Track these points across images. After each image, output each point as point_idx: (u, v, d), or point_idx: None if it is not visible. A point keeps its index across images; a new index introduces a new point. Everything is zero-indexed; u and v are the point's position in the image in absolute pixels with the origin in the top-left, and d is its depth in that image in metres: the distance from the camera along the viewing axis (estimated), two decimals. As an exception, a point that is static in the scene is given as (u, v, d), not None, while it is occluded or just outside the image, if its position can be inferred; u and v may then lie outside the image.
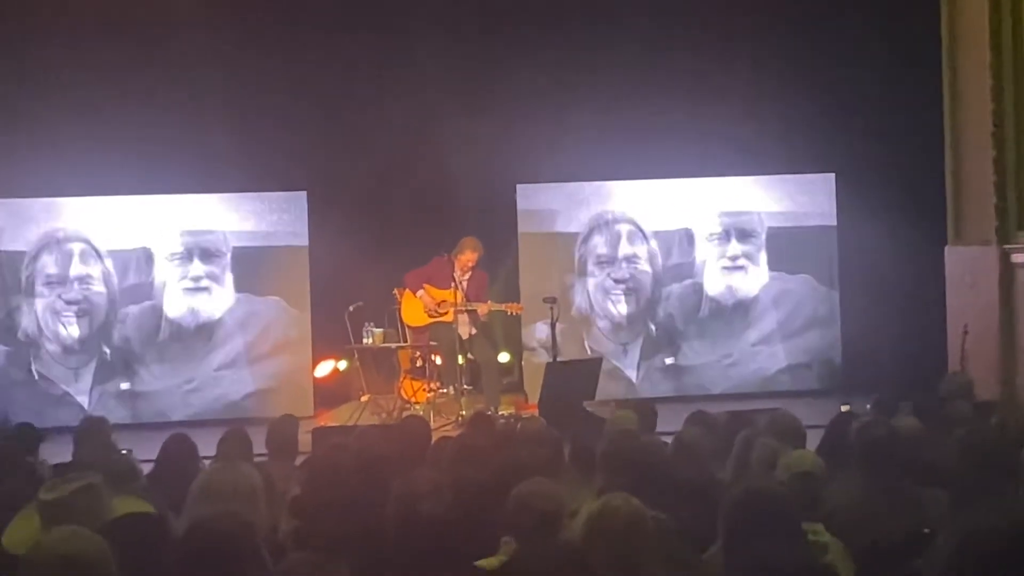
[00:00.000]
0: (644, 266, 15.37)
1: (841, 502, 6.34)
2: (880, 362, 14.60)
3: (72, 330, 14.60)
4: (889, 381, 12.84)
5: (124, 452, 7.70)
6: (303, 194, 14.98)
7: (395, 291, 14.25)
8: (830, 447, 8.12)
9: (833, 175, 15.48)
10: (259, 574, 4.72)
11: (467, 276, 13.84)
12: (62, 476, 6.05)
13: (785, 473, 6.19)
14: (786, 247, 15.49)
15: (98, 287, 14.63)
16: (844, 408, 9.95)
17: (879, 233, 14.67)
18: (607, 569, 4.61)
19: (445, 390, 14.04)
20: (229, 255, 14.84)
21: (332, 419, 14.02)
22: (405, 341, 14.38)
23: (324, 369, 15.11)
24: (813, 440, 8.16)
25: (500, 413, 13.21)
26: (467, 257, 13.81)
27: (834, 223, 15.49)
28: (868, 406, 9.59)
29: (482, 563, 5.28)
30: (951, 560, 4.23)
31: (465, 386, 13.97)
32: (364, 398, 14.37)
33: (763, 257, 15.48)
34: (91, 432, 9.06)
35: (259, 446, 8.69)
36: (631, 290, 15.37)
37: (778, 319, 15.49)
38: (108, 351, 14.64)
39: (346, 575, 4.11)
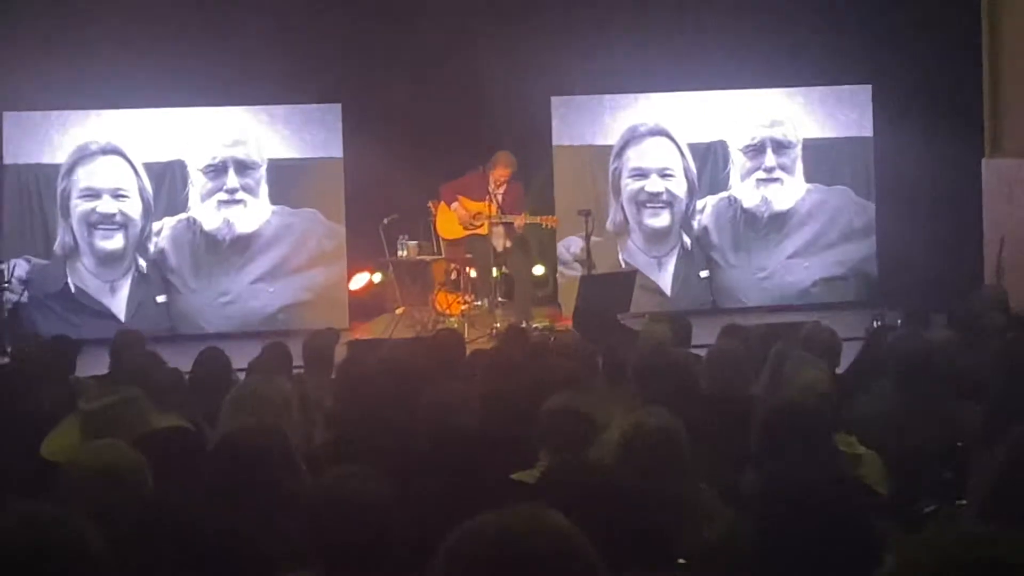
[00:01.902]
0: (679, 179, 15.30)
1: (875, 414, 6.35)
2: (916, 274, 14.52)
3: (108, 243, 14.63)
4: (924, 293, 12.79)
5: (168, 366, 7.73)
6: (338, 106, 14.93)
7: (430, 204, 14.26)
8: (867, 359, 8.12)
9: (870, 86, 15.36)
10: (292, 484, 4.76)
11: (502, 189, 13.82)
12: (101, 388, 6.11)
13: (800, 391, 6.19)
14: (822, 159, 15.41)
15: (133, 200, 14.64)
16: (876, 322, 9.91)
17: (916, 145, 14.56)
18: (638, 483, 4.62)
19: (479, 303, 14.08)
20: (264, 167, 14.83)
21: (367, 332, 14.07)
22: (439, 254, 14.40)
23: (359, 282, 15.12)
24: (848, 352, 8.15)
25: (534, 326, 13.22)
26: (500, 171, 13.80)
27: (870, 134, 15.38)
28: (899, 320, 9.57)
29: (518, 476, 5.31)
30: (1001, 469, 4.23)
31: (499, 299, 14.01)
32: (399, 311, 14.41)
33: (799, 169, 15.40)
34: (127, 345, 9.11)
35: (296, 358, 8.75)
36: (665, 203, 15.31)
37: (814, 231, 15.43)
38: (144, 264, 14.68)
39: (385, 488, 4.13)
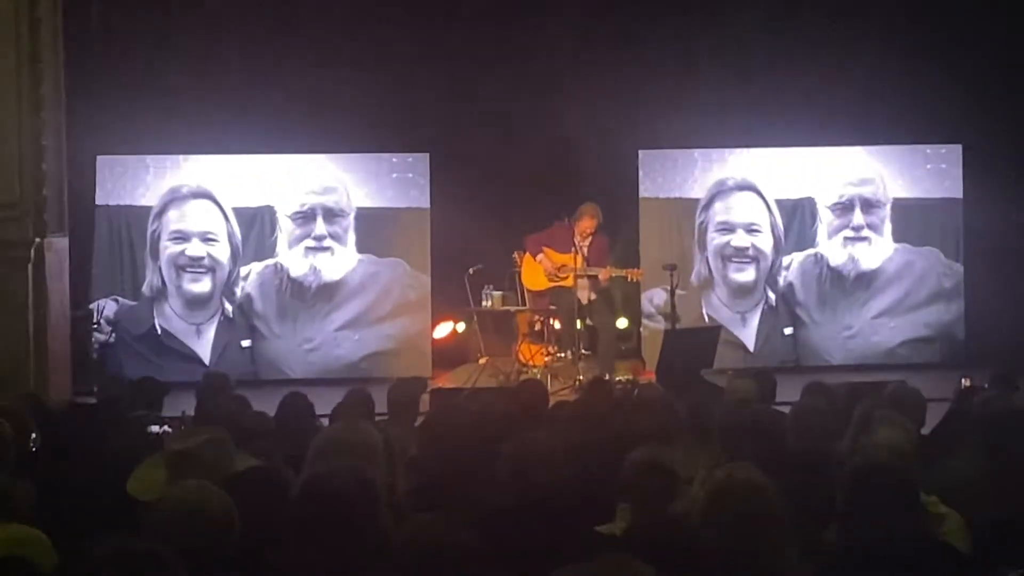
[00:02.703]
0: (765, 234, 15.25)
1: (961, 476, 6.29)
2: (1004, 337, 14.37)
3: (195, 286, 14.75)
4: (1012, 356, 12.66)
5: (254, 410, 7.80)
6: (426, 155, 15.02)
7: (515, 254, 14.29)
8: (954, 421, 8.05)
9: (960, 146, 15.26)
10: (377, 531, 4.77)
11: (587, 242, 13.84)
12: (188, 428, 6.18)
13: (886, 450, 6.14)
14: (911, 219, 15.30)
15: (222, 244, 14.77)
16: (965, 382, 9.81)
17: (1006, 206, 14.46)
18: (725, 539, 4.60)
19: (563, 354, 14.05)
20: (352, 215, 14.93)
21: (450, 381, 14.07)
22: (524, 305, 14.41)
23: (443, 331, 15.17)
24: (931, 414, 8.08)
25: (617, 379, 13.19)
26: (586, 224, 13.81)
27: (960, 195, 15.27)
28: (987, 383, 9.47)
29: (603, 529, 5.29)
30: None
31: (583, 351, 14.00)
32: (482, 360, 14.42)
33: (887, 228, 15.30)
34: (214, 388, 9.19)
35: (379, 406, 8.76)
36: (751, 258, 15.26)
37: (901, 291, 15.30)
38: (230, 308, 14.80)
39: (468, 537, 4.14)
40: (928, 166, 15.34)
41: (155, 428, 8.46)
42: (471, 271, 14.31)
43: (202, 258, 14.75)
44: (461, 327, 15.17)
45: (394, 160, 15.08)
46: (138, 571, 3.37)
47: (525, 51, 14.83)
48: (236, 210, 14.80)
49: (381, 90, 14.73)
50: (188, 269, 14.73)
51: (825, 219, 15.29)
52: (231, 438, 6.08)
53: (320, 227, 14.87)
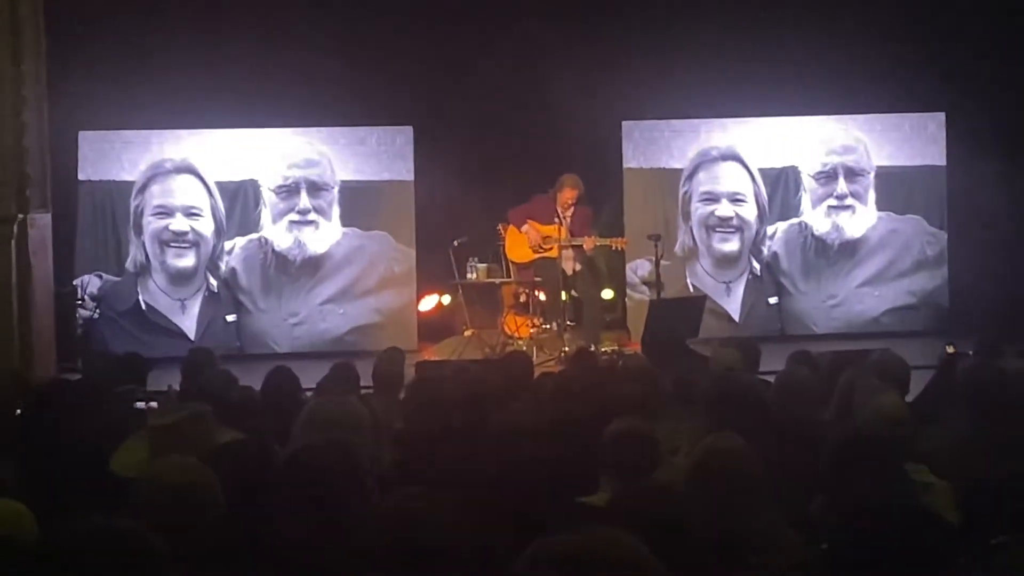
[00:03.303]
0: (749, 204, 15.26)
1: (947, 443, 6.29)
2: (988, 304, 14.40)
3: (179, 261, 14.73)
4: (996, 324, 12.68)
5: (241, 385, 7.80)
6: (409, 128, 15.01)
7: (499, 226, 14.27)
8: (938, 388, 8.05)
9: (943, 114, 15.27)
10: (362, 503, 4.77)
11: (569, 212, 13.81)
12: (170, 403, 6.17)
13: (872, 419, 6.14)
14: (895, 187, 15.32)
15: (206, 218, 14.75)
16: (949, 348, 9.82)
17: (989, 174, 14.46)
18: (710, 508, 4.61)
19: (548, 326, 14.06)
20: (336, 189, 14.91)
21: (435, 353, 14.10)
22: (509, 276, 14.42)
23: (428, 304, 15.18)
24: (916, 381, 8.08)
25: (602, 349, 13.21)
26: (567, 194, 13.78)
27: (944, 163, 15.28)
28: (971, 350, 9.48)
29: (587, 500, 5.29)
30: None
31: (568, 322, 14.00)
32: (467, 333, 14.43)
33: (871, 197, 15.32)
34: (200, 363, 9.17)
35: (364, 379, 8.77)
36: (735, 228, 15.27)
37: (885, 260, 15.33)
38: (215, 283, 14.77)
39: (453, 509, 4.14)
40: (911, 134, 15.34)
41: (141, 404, 8.44)
42: (456, 243, 14.32)
43: (186, 233, 14.72)
44: (446, 300, 15.18)
45: (378, 133, 15.05)
46: (121, 548, 3.36)
47: (508, 23, 14.77)
48: (220, 184, 14.78)
49: (364, 63, 14.70)
50: (172, 244, 14.71)
51: (809, 188, 15.30)
52: (215, 412, 6.09)
53: (304, 201, 14.85)
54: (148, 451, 5.78)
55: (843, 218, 15.31)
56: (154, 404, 8.23)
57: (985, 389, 6.65)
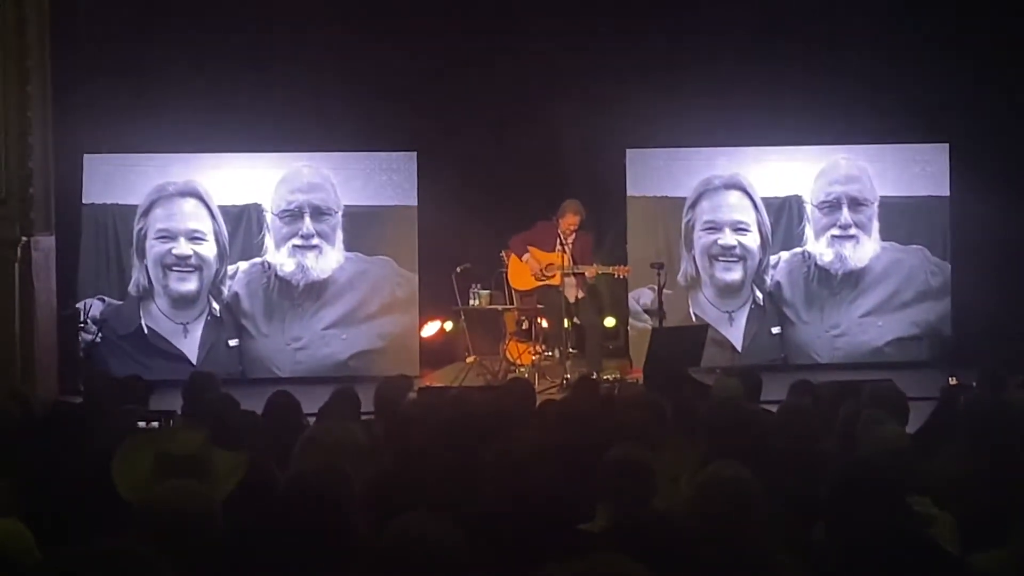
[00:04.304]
0: (752, 233, 15.25)
1: (949, 475, 6.29)
2: (991, 336, 14.38)
3: (182, 285, 14.72)
4: (999, 355, 12.67)
5: (242, 409, 7.79)
6: (413, 154, 15.03)
7: (502, 253, 14.28)
8: (941, 419, 8.05)
9: (947, 145, 15.27)
10: (357, 530, 4.77)
11: (571, 238, 13.82)
12: (175, 427, 6.16)
13: (874, 450, 6.14)
14: (898, 217, 15.31)
15: (209, 242, 14.75)
16: (952, 380, 9.82)
17: (992, 205, 14.46)
18: (711, 536, 4.60)
19: (550, 353, 14.07)
20: (339, 214, 14.92)
21: (437, 380, 14.08)
22: (511, 303, 14.42)
23: (431, 330, 15.18)
24: (918, 412, 8.07)
25: (604, 377, 13.20)
26: (569, 220, 13.80)
27: (947, 194, 15.28)
28: (974, 382, 9.47)
29: (583, 527, 5.29)
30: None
31: (570, 350, 14.00)
32: (470, 359, 14.43)
33: (875, 227, 15.32)
34: (202, 387, 9.15)
35: (366, 404, 8.75)
36: (738, 257, 15.26)
37: (888, 290, 15.32)
38: (217, 307, 14.77)
39: (456, 534, 4.14)
40: (915, 164, 15.35)
41: (142, 424, 8.43)
42: (459, 270, 14.33)
43: (189, 257, 14.72)
44: (449, 326, 15.19)
45: (382, 158, 15.06)
46: (122, 570, 3.35)
47: (513, 51, 14.80)
48: (223, 208, 14.78)
49: (369, 88, 14.72)
50: (175, 268, 14.70)
51: (812, 217, 15.29)
52: (216, 436, 6.08)
53: (308, 225, 14.86)
54: (151, 474, 5.77)
55: (846, 248, 15.30)
56: (156, 424, 8.24)
57: (987, 421, 6.64)
